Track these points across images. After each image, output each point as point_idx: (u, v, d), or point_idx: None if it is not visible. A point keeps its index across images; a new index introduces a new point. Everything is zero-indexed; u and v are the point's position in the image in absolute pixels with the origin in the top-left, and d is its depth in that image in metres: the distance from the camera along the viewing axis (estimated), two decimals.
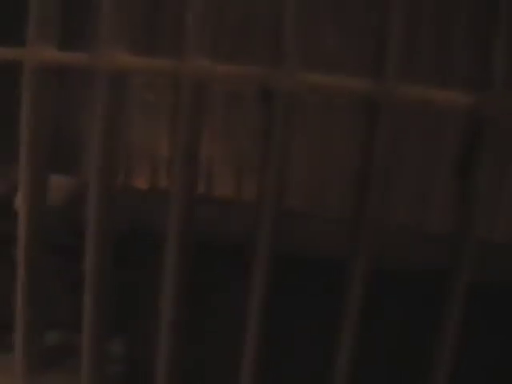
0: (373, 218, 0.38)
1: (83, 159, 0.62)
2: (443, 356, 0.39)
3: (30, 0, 0.42)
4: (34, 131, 0.44)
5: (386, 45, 0.36)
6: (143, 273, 0.50)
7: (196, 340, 0.47)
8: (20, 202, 0.46)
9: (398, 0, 0.35)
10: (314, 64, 0.37)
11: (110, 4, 0.40)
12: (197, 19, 0.38)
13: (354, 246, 0.38)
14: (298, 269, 0.45)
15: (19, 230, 0.46)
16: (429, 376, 0.39)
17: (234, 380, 0.42)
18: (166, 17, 0.62)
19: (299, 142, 0.50)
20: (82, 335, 0.46)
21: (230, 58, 0.38)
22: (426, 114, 0.51)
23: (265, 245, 0.39)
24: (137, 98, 0.61)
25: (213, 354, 0.51)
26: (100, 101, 0.41)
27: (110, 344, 0.48)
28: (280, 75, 0.36)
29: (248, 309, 0.40)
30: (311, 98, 0.40)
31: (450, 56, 0.55)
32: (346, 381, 0.40)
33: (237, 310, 0.41)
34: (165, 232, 0.42)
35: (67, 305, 0.54)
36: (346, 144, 0.57)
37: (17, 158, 0.46)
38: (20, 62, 0.43)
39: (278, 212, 0.39)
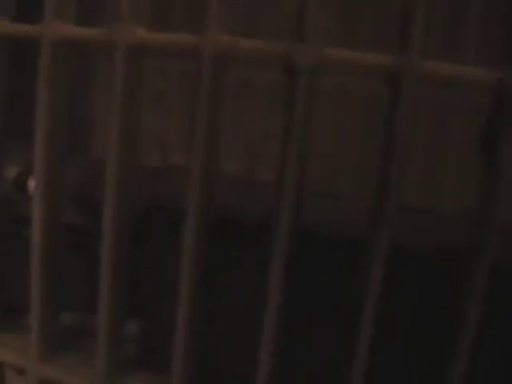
0: (395, 194, 0.37)
1: (99, 136, 0.62)
2: (464, 337, 0.39)
3: None
4: (50, 108, 0.44)
5: (410, 20, 0.36)
6: (158, 252, 0.50)
7: (212, 319, 0.47)
8: (36, 182, 0.45)
9: None
10: (337, 40, 0.37)
11: None
12: None
13: (376, 222, 0.38)
14: (316, 247, 0.45)
15: (34, 211, 0.46)
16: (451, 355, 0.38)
17: (252, 358, 0.42)
18: None
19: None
20: (98, 316, 0.46)
21: (253, 33, 0.38)
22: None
23: (286, 223, 0.39)
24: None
25: (229, 334, 0.51)
26: (119, 76, 0.41)
27: (125, 325, 0.48)
28: (305, 50, 0.36)
29: (267, 285, 0.40)
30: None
31: (465, 32, 0.55)
32: (366, 359, 0.39)
33: (254, 287, 0.41)
34: (182, 210, 0.42)
35: (82, 286, 0.54)
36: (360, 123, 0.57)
37: (32, 136, 0.46)
38: (38, 38, 0.42)
39: (300, 189, 0.39)
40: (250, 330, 0.42)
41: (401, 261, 0.39)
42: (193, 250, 0.42)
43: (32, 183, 0.47)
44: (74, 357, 0.49)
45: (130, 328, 0.48)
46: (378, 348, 0.38)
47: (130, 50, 0.40)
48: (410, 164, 0.39)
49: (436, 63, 0.35)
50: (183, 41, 0.39)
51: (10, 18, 0.45)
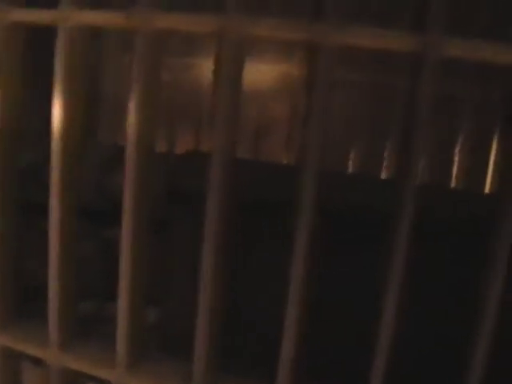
0: (417, 171, 0.38)
1: (118, 123, 0.62)
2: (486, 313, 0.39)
3: None
4: (68, 95, 0.44)
5: None
6: (180, 239, 0.50)
7: (234, 301, 0.47)
8: (53, 169, 0.45)
9: None
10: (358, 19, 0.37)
11: None
12: None
13: (401, 197, 0.38)
14: (340, 224, 0.45)
15: (52, 198, 0.46)
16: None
17: (275, 341, 0.42)
18: None
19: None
20: (118, 303, 0.46)
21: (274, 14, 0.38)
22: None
23: (309, 202, 0.39)
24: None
25: (251, 316, 0.51)
26: (139, 62, 0.41)
27: (145, 313, 0.48)
28: (326, 30, 0.36)
29: (291, 264, 0.40)
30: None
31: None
32: (392, 332, 0.40)
33: (277, 267, 0.41)
34: (204, 196, 0.42)
35: (100, 273, 0.54)
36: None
37: (49, 125, 0.45)
38: (55, 25, 0.42)
39: (320, 167, 0.39)
40: (273, 314, 0.42)
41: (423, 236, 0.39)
42: (215, 236, 0.42)
43: (48, 170, 0.47)
44: (93, 345, 0.49)
45: (150, 315, 0.48)
46: (405, 322, 0.39)
47: (149, 34, 0.40)
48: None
49: (458, 41, 0.36)
50: (204, 25, 0.39)
51: (23, 5, 0.45)
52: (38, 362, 0.53)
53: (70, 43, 0.42)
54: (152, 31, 0.40)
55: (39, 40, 0.45)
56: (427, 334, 0.48)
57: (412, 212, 0.38)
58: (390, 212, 0.38)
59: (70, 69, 0.43)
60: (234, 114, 0.40)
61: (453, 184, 0.99)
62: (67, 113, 0.44)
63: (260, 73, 1.03)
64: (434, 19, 0.36)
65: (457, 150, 0.94)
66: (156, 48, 0.41)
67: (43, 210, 0.48)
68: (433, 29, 0.36)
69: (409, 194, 0.38)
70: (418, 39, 0.36)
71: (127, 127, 0.43)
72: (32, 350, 0.49)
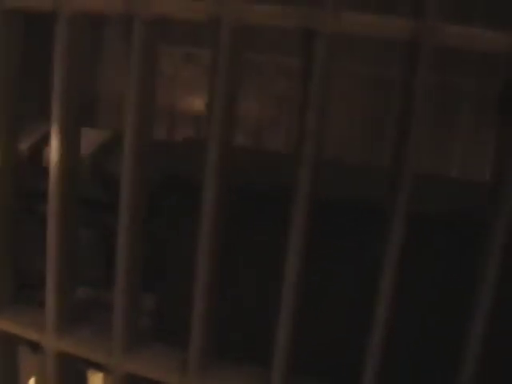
0: (413, 158, 0.38)
1: (115, 110, 0.62)
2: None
3: None
4: (66, 82, 0.44)
5: None
6: (175, 223, 0.50)
7: (230, 289, 0.48)
8: (52, 155, 0.45)
9: None
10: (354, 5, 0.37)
11: None
12: None
13: (396, 185, 0.38)
14: (333, 215, 0.45)
15: (51, 185, 0.46)
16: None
17: (270, 329, 0.43)
18: None
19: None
20: (114, 290, 0.46)
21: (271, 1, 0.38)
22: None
23: (305, 191, 0.39)
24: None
25: (247, 304, 0.51)
26: (136, 47, 0.41)
27: (141, 299, 0.48)
28: (324, 15, 0.36)
29: (287, 251, 0.40)
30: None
31: None
32: (385, 325, 0.40)
33: (272, 254, 0.41)
34: (199, 182, 0.42)
35: (97, 260, 0.54)
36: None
37: (48, 111, 0.46)
38: (54, 11, 0.42)
39: (318, 158, 0.39)
40: (268, 301, 0.43)
41: (419, 226, 0.39)
42: (211, 222, 0.42)
43: (47, 156, 0.47)
44: (90, 330, 0.49)
45: (145, 302, 0.49)
46: (398, 312, 0.39)
47: (147, 21, 0.40)
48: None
49: (455, 27, 0.36)
50: (201, 11, 0.39)
51: None
52: (34, 347, 0.54)
53: (69, 29, 0.42)
54: (149, 16, 0.40)
55: (37, 27, 0.45)
56: (424, 325, 0.48)
57: (408, 200, 0.39)
58: (385, 201, 0.38)
59: (68, 55, 0.43)
60: (232, 101, 0.40)
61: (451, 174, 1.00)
62: (66, 98, 0.44)
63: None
64: (431, 6, 0.36)
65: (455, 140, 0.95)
66: (153, 33, 0.41)
67: (41, 196, 0.49)
68: (429, 15, 0.36)
69: (405, 182, 0.38)
70: (415, 26, 0.36)
71: (126, 114, 0.43)
72: (29, 334, 0.49)
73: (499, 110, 0.36)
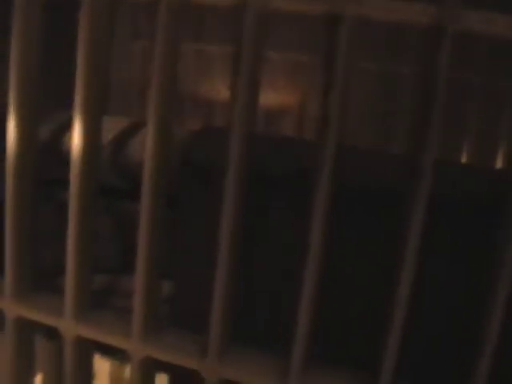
0: (435, 147, 0.38)
1: (135, 99, 0.62)
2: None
3: None
4: (91, 69, 0.44)
5: None
6: (192, 210, 0.50)
7: (249, 275, 0.48)
8: (74, 143, 0.46)
9: None
10: None
11: None
12: None
13: (415, 174, 0.38)
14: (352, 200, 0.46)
15: (72, 172, 0.46)
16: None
17: (290, 315, 0.43)
18: None
19: None
20: (136, 273, 0.46)
21: None
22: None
23: (326, 178, 0.40)
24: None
25: (266, 290, 0.51)
26: (160, 33, 0.41)
27: (160, 285, 0.48)
28: (345, 2, 0.37)
29: (307, 238, 0.41)
30: None
31: None
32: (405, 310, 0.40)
33: (292, 241, 0.42)
34: (219, 170, 0.42)
35: (115, 248, 0.55)
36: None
37: (66, 98, 0.46)
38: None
39: (340, 142, 0.40)
40: (288, 287, 0.43)
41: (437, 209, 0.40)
42: (232, 210, 0.43)
43: (66, 143, 0.47)
44: (107, 316, 0.49)
45: (164, 288, 0.49)
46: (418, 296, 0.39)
47: (172, 5, 0.40)
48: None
49: (478, 14, 0.36)
50: None
51: None
52: (51, 335, 0.54)
53: (93, 17, 0.43)
54: (174, 1, 0.40)
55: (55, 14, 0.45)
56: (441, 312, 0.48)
57: (428, 186, 0.39)
58: (404, 187, 0.39)
59: (92, 42, 0.44)
60: (255, 87, 0.41)
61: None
62: (89, 87, 0.45)
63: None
64: None
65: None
66: (176, 19, 0.41)
67: (60, 184, 0.49)
68: (451, 1, 0.37)
69: (425, 168, 0.39)
70: (436, 12, 0.37)
71: (148, 102, 0.43)
72: (47, 320, 0.50)
73: None
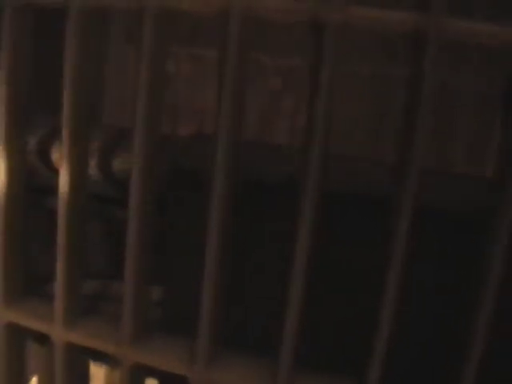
0: (421, 155, 0.38)
1: (123, 106, 0.63)
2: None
3: None
4: (77, 79, 0.44)
5: None
6: (183, 216, 0.51)
7: (238, 282, 0.48)
8: (62, 152, 0.46)
9: None
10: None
11: None
12: None
13: (401, 182, 0.39)
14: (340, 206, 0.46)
15: (61, 180, 0.47)
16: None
17: (278, 321, 0.43)
18: None
19: None
20: (124, 279, 0.46)
21: None
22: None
23: (313, 184, 0.40)
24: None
25: (255, 296, 0.52)
26: (147, 42, 0.41)
27: (150, 291, 0.49)
28: (330, 8, 0.37)
29: (294, 246, 0.41)
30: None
31: None
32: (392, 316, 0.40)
33: (281, 249, 0.42)
34: (208, 175, 0.43)
35: (104, 253, 0.55)
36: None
37: (58, 108, 0.46)
38: (65, 6, 0.43)
39: (326, 150, 0.40)
40: (276, 292, 0.43)
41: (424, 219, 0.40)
42: (219, 215, 0.43)
43: (55, 152, 0.48)
44: (98, 322, 0.49)
45: (154, 294, 0.49)
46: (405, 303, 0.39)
47: (159, 15, 0.41)
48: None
49: (461, 21, 0.36)
50: (210, 2, 0.40)
51: None
52: (42, 340, 0.54)
53: (80, 25, 0.43)
54: (159, 10, 0.40)
55: (42, 23, 0.45)
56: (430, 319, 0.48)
57: (415, 194, 0.39)
58: (391, 195, 0.39)
59: (80, 51, 0.44)
60: (240, 94, 0.41)
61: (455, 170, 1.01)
62: (76, 95, 0.45)
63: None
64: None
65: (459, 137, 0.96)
66: (163, 28, 0.42)
67: (50, 190, 0.49)
68: (435, 9, 0.37)
69: (412, 174, 0.39)
70: (420, 20, 0.37)
71: (136, 109, 0.43)
72: (38, 326, 0.50)
73: (504, 109, 0.37)
